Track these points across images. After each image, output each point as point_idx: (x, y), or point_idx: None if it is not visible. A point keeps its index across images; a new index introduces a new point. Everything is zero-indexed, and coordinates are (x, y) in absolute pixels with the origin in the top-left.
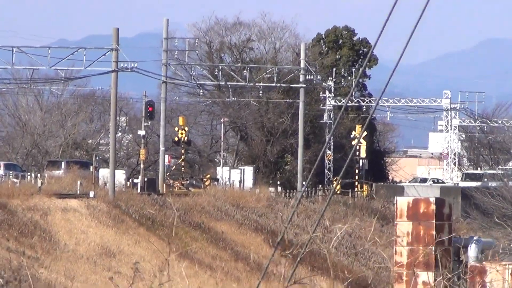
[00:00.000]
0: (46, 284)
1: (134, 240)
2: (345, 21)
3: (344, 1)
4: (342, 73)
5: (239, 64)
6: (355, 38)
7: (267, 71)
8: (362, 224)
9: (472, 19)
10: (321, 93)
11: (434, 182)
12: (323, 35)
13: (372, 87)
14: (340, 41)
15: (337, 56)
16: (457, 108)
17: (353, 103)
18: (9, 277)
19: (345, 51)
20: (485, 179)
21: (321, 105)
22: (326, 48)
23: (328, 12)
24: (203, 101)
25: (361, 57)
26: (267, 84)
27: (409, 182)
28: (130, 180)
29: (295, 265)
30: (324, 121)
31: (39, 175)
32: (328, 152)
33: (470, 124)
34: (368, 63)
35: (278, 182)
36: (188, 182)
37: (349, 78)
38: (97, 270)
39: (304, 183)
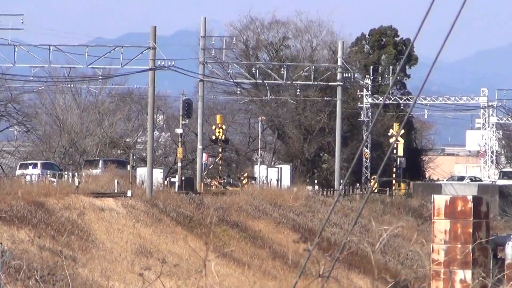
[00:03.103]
0: (82, 282)
1: (171, 239)
2: (384, 19)
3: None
4: (382, 71)
5: (276, 62)
6: (398, 39)
7: (304, 69)
8: (403, 223)
9: (508, 16)
10: (358, 91)
11: (471, 180)
12: (367, 34)
13: (411, 86)
14: (384, 40)
15: (380, 56)
16: (495, 105)
17: (391, 101)
18: (46, 275)
19: (388, 50)
20: None
21: (359, 103)
22: (368, 47)
23: (366, 9)
24: (241, 100)
25: (403, 56)
26: (304, 82)
27: (447, 180)
28: (168, 179)
29: (333, 263)
30: (362, 119)
31: (76, 174)
32: (366, 150)
33: (507, 122)
34: (408, 62)
35: (316, 181)
36: (225, 180)
37: (388, 76)
38: (134, 269)
39: (341, 181)
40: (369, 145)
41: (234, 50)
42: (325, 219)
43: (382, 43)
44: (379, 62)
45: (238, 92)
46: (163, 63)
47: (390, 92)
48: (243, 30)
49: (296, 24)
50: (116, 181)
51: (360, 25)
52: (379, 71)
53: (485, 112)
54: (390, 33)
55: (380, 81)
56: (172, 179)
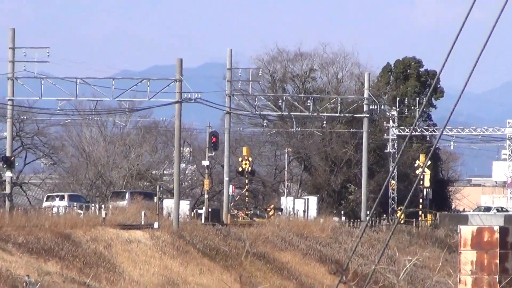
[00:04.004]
0: None
1: (198, 270)
2: (411, 51)
3: (408, 31)
4: (408, 103)
5: (302, 94)
6: (422, 70)
7: (331, 101)
8: (426, 253)
9: None
10: (384, 123)
11: (498, 210)
12: (392, 65)
13: (437, 117)
14: (408, 71)
15: (405, 87)
16: None
17: (417, 133)
18: None
19: (412, 82)
20: None
21: (385, 134)
22: (393, 78)
23: (389, 41)
24: (267, 132)
25: (427, 88)
26: (330, 114)
27: (473, 211)
28: (194, 211)
29: None
30: (388, 150)
31: (103, 206)
32: (392, 181)
33: None
34: (434, 94)
35: (342, 212)
36: (252, 212)
37: (413, 108)
38: None
39: (368, 212)
40: (396, 177)
41: (260, 82)
42: (352, 251)
43: (407, 74)
44: (406, 93)
45: (264, 124)
46: (189, 95)
47: (416, 123)
48: (270, 62)
49: (321, 56)
50: (142, 212)
51: (385, 56)
52: (405, 102)
53: (511, 143)
54: (414, 65)
55: (406, 113)
56: (199, 211)
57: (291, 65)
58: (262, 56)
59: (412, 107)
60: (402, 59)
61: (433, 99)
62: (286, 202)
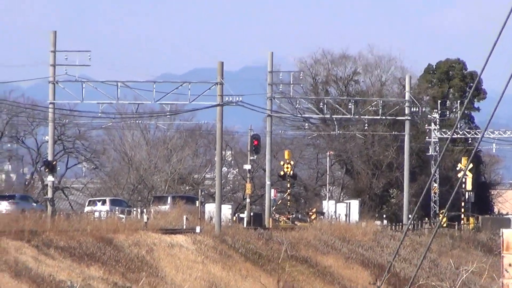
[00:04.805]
0: None
1: (241, 275)
2: (453, 54)
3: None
4: (450, 105)
5: (345, 97)
6: (465, 72)
7: (372, 104)
8: (469, 257)
9: None
10: (426, 125)
11: None
12: (434, 66)
13: (479, 119)
14: (451, 73)
15: (447, 89)
16: None
17: (459, 135)
18: None
19: (455, 83)
20: None
21: (427, 137)
22: (436, 79)
23: (435, 44)
24: (308, 135)
25: (470, 90)
26: (372, 117)
27: None
28: (236, 215)
29: None
30: (430, 153)
31: (145, 210)
32: (434, 185)
33: None
34: (476, 96)
35: (384, 216)
36: (294, 216)
37: (455, 110)
38: None
39: (410, 216)
40: (438, 180)
41: (302, 85)
42: (394, 254)
43: (450, 75)
44: (447, 95)
45: (306, 127)
46: (230, 98)
47: (458, 126)
48: (312, 65)
49: (366, 59)
50: (184, 217)
51: (430, 60)
52: (447, 104)
53: None
54: (458, 66)
55: (448, 115)
56: (241, 215)
57: (334, 68)
58: (305, 58)
59: (454, 110)
60: (444, 60)
61: (475, 100)
62: (328, 206)
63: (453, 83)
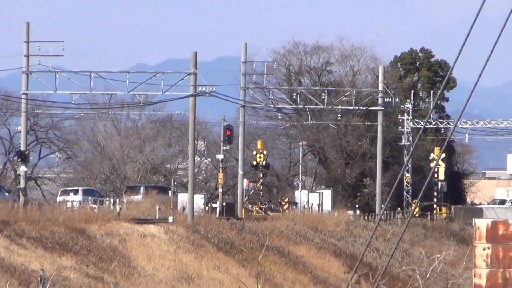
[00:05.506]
0: None
1: (213, 265)
2: (424, 42)
3: (422, 21)
4: (421, 95)
5: (318, 87)
6: (432, 60)
7: (346, 94)
8: (441, 246)
9: None
10: (399, 115)
11: None
12: (400, 58)
13: (450, 109)
14: (418, 63)
15: (414, 78)
16: None
17: (432, 125)
18: None
19: (423, 73)
20: None
21: (400, 127)
22: (403, 71)
23: (406, 33)
24: (282, 125)
25: (440, 78)
26: (345, 107)
27: (488, 204)
28: (209, 205)
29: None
30: (403, 143)
31: (117, 200)
32: (407, 174)
33: None
34: (446, 85)
35: (357, 205)
36: (266, 206)
37: (427, 100)
38: None
39: (382, 206)
40: (410, 170)
41: (275, 75)
42: (366, 244)
43: (416, 65)
44: (417, 85)
45: (279, 117)
46: (204, 89)
47: (431, 116)
48: (286, 55)
49: (339, 49)
50: (157, 207)
51: (403, 49)
52: (415, 94)
53: None
54: (424, 55)
55: (420, 105)
56: (213, 205)
57: (307, 58)
58: (278, 49)
59: (426, 100)
60: (408, 50)
61: (445, 90)
62: (301, 195)
63: (421, 73)
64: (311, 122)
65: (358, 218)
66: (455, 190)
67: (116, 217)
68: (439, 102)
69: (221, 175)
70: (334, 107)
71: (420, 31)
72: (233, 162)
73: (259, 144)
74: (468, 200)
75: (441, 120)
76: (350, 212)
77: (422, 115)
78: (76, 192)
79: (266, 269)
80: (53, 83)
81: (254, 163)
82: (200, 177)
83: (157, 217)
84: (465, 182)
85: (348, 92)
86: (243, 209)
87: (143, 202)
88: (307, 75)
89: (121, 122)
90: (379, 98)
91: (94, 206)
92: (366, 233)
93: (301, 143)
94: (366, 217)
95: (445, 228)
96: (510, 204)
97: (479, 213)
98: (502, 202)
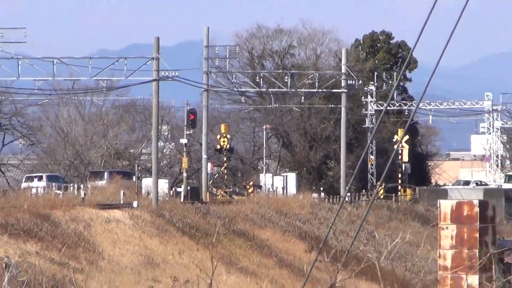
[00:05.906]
0: None
1: (178, 249)
2: (385, 24)
3: (385, 4)
4: (383, 77)
5: (281, 71)
6: (392, 42)
7: (309, 77)
8: (406, 228)
9: None
10: (363, 98)
11: (477, 184)
12: (361, 41)
13: (413, 91)
14: (378, 46)
15: (376, 61)
16: (499, 110)
17: (395, 107)
18: None
19: (382, 55)
20: None
21: (363, 110)
22: (364, 53)
23: (368, 15)
24: (245, 108)
25: (400, 60)
26: (308, 90)
27: (452, 185)
28: (173, 189)
29: (337, 269)
30: (367, 125)
31: (82, 186)
32: (371, 157)
33: None
34: (408, 66)
35: (322, 188)
36: (231, 189)
37: (389, 82)
38: (141, 280)
39: (347, 188)
40: (374, 152)
41: (238, 59)
42: (329, 227)
43: (376, 48)
44: (377, 68)
45: (243, 101)
46: (167, 73)
47: (394, 97)
48: (248, 39)
49: (301, 33)
50: (121, 192)
51: (364, 31)
52: (378, 76)
53: (490, 116)
54: (384, 38)
55: (383, 86)
56: (178, 189)
57: (270, 42)
58: (240, 32)
59: (389, 81)
60: (369, 33)
61: (407, 71)
62: (265, 179)
63: (380, 55)
64: (275, 105)
65: (323, 200)
66: (419, 172)
67: (81, 202)
68: (401, 83)
69: (185, 159)
70: (297, 90)
71: (384, 14)
72: (197, 146)
73: (223, 128)
74: (433, 181)
75: (404, 101)
76: (315, 195)
77: (385, 97)
78: (40, 178)
79: (231, 253)
80: (16, 69)
81: (218, 147)
82: (164, 162)
83: (121, 202)
84: (429, 164)
85: (311, 75)
86: (208, 193)
87: (107, 187)
88: (270, 58)
89: (85, 107)
90: (342, 81)
91: (58, 192)
92: (331, 215)
93: (264, 127)
94: (331, 200)
95: (409, 209)
96: (475, 185)
97: (444, 194)
98: (467, 183)
